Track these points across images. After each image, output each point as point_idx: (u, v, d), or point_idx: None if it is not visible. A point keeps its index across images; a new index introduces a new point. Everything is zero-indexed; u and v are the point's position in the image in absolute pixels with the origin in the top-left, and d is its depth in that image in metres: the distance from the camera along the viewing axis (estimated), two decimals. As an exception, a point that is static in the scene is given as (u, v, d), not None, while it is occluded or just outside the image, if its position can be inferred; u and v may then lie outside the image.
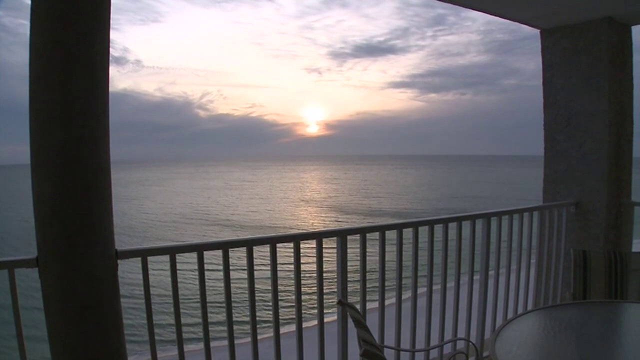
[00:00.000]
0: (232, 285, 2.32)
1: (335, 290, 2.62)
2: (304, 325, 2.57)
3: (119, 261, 1.95)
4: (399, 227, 2.78)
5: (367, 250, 2.71)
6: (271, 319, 2.44)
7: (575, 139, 3.81)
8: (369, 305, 2.75)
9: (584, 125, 3.75)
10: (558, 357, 1.90)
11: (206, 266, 2.28)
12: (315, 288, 2.61)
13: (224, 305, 2.31)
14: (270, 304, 2.45)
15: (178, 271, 2.18)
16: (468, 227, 3.08)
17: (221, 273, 2.28)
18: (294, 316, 2.55)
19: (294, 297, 2.54)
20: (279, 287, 2.48)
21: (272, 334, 2.46)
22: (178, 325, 2.21)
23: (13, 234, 27.75)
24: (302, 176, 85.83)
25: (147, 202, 46.75)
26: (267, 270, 2.45)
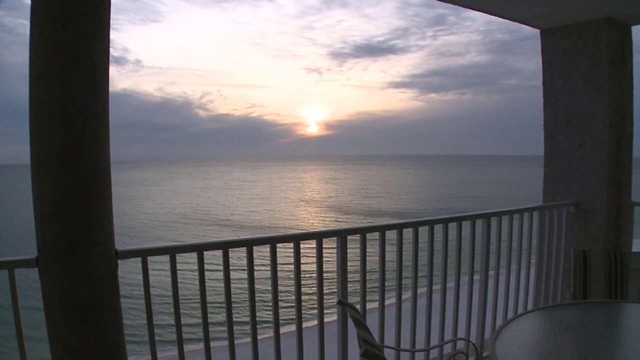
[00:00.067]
0: (232, 285, 2.32)
1: (335, 290, 2.62)
2: (304, 325, 2.57)
3: (119, 261, 1.95)
4: (399, 227, 2.78)
5: (367, 250, 2.71)
6: (271, 319, 2.44)
7: (575, 139, 3.81)
8: (369, 305, 2.75)
9: (584, 125, 3.75)
10: (558, 357, 1.89)
11: (206, 266, 2.28)
12: (315, 288, 2.61)
13: (224, 305, 2.31)
14: (270, 304, 2.45)
15: (178, 271, 2.18)
16: (468, 227, 3.08)
17: (221, 273, 2.28)
18: (294, 316, 2.55)
19: (294, 297, 2.54)
20: (279, 287, 2.48)
21: (272, 334, 2.46)
22: (178, 325, 2.20)
23: (13, 234, 27.74)
24: (302, 176, 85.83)
25: (147, 202, 46.75)
26: (267, 270, 2.45)
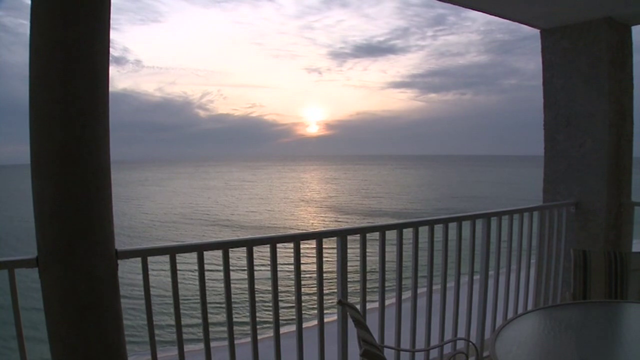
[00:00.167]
0: (232, 285, 2.32)
1: (335, 290, 2.62)
2: (304, 325, 2.57)
3: (119, 261, 1.95)
4: (399, 227, 2.78)
5: (367, 250, 2.71)
6: (271, 320, 2.44)
7: (575, 139, 3.81)
8: (369, 306, 2.75)
9: (584, 125, 3.76)
10: (558, 357, 1.89)
11: (206, 266, 2.28)
12: (315, 288, 2.61)
13: (224, 305, 2.31)
14: (270, 304, 2.45)
15: (178, 271, 2.18)
16: (468, 227, 3.08)
17: (221, 273, 2.28)
18: (294, 316, 2.55)
19: (294, 297, 2.54)
20: (279, 287, 2.48)
21: (272, 334, 2.46)
22: (178, 325, 2.20)
23: (13, 235, 27.73)
24: (301, 176, 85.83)
25: (147, 202, 46.75)
26: (267, 270, 2.45)
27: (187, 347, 2.22)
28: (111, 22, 1.87)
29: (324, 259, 2.60)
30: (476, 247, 3.12)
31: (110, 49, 1.88)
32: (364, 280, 2.73)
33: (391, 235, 2.82)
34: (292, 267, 2.51)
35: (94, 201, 1.86)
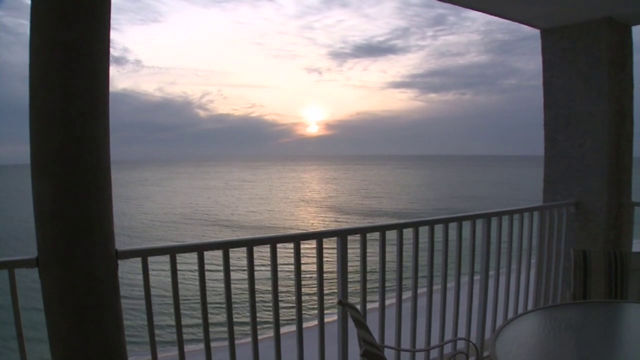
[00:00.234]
0: (232, 285, 2.32)
1: (336, 290, 2.62)
2: (304, 325, 2.57)
3: (119, 261, 1.95)
4: (399, 227, 2.78)
5: (367, 250, 2.71)
6: (271, 320, 2.44)
7: (575, 139, 3.81)
8: (369, 306, 2.75)
9: (584, 125, 3.76)
10: (558, 357, 1.89)
11: (206, 266, 2.28)
12: (316, 288, 2.61)
13: (224, 305, 2.31)
14: (271, 304, 2.45)
15: (178, 271, 2.18)
16: (468, 227, 3.08)
17: (221, 273, 2.28)
18: (294, 316, 2.55)
19: (294, 297, 2.54)
20: (279, 287, 2.48)
21: (272, 334, 2.46)
22: (178, 325, 2.20)
23: (13, 235, 27.72)
24: (302, 176, 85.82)
25: (147, 202, 46.74)
26: (267, 270, 2.45)
27: (188, 348, 2.22)
28: (111, 22, 1.87)
29: (324, 259, 2.60)
30: (476, 247, 3.12)
31: (110, 49, 1.88)
32: (364, 280, 2.73)
33: (391, 235, 2.82)
34: (292, 267, 2.51)
35: (94, 201, 1.86)
